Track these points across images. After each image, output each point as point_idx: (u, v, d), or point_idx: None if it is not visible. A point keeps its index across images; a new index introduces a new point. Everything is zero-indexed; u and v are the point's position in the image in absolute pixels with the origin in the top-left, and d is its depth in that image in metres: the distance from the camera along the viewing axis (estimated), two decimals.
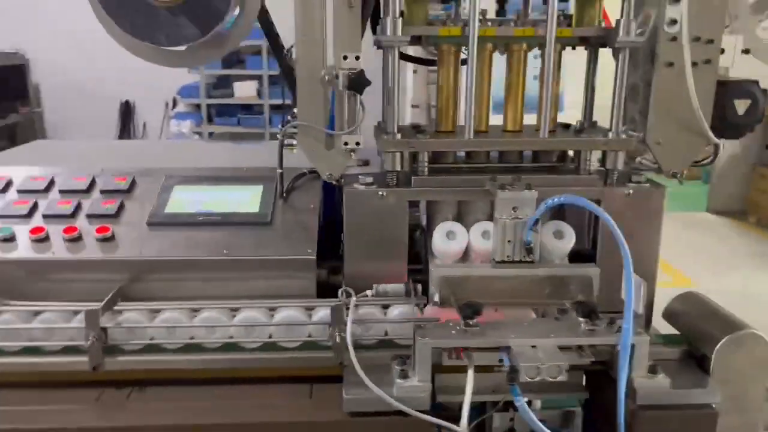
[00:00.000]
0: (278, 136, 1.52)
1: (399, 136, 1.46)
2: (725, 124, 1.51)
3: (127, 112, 8.16)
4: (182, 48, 1.53)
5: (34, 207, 1.52)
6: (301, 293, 1.44)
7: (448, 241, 1.46)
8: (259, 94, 7.22)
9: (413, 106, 5.71)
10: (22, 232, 1.45)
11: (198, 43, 1.50)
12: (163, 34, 1.45)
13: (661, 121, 1.48)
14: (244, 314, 1.35)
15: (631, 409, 1.27)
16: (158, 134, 7.75)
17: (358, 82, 1.36)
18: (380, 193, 1.45)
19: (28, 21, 7.45)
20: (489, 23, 1.48)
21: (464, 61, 1.53)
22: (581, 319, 1.31)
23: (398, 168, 1.47)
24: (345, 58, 1.38)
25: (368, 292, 1.38)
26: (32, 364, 1.34)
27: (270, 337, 1.35)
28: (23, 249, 1.43)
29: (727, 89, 1.48)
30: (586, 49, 1.58)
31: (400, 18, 1.40)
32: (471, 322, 1.29)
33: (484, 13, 1.48)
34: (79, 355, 1.32)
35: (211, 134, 7.10)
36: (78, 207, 1.53)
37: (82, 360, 1.32)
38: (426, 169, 1.49)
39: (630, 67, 1.52)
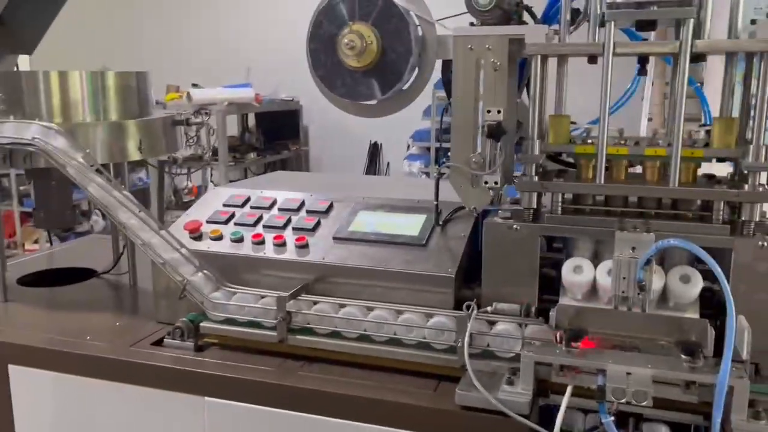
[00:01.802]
0: (433, 174, 1.83)
1: (536, 178, 1.68)
2: None
3: (374, 152, 9.15)
4: (373, 102, 1.94)
5: (259, 219, 2.03)
6: (441, 305, 1.72)
7: (574, 274, 1.63)
8: None
9: (648, 119, 5.60)
10: (248, 236, 1.96)
11: (385, 98, 1.90)
12: (355, 92, 1.88)
13: None
14: (376, 312, 1.71)
15: None
16: (398, 173, 8.56)
17: (496, 132, 1.62)
18: (514, 226, 1.68)
19: (303, 74, 8.85)
20: (624, 142, 1.63)
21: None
22: (684, 356, 1.39)
23: (534, 206, 1.69)
24: (489, 111, 1.65)
25: (488, 309, 1.61)
26: (242, 332, 1.82)
27: (395, 334, 1.67)
28: (246, 248, 1.94)
29: None
30: None
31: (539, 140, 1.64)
32: (573, 345, 1.45)
33: (621, 131, 1.66)
34: (272, 330, 1.77)
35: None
36: (288, 221, 2.01)
37: (272, 334, 1.76)
38: (559, 208, 1.68)
39: None
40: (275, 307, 1.74)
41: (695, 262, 1.61)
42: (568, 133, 1.69)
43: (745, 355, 1.34)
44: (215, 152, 7.16)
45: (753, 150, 1.50)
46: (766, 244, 1.50)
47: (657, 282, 1.55)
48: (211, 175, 7.43)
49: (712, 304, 1.58)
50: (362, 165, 9.23)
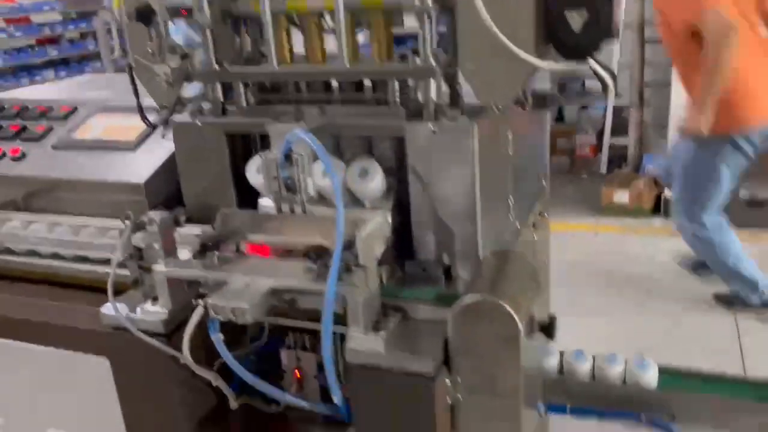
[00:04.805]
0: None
1: (216, 66, 1.46)
2: (559, 44, 1.18)
3: None
4: None
5: None
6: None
7: (256, 174, 1.44)
8: None
9: None
10: None
11: None
12: None
13: (471, 44, 1.22)
14: (35, 226, 1.58)
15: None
16: None
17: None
18: (197, 122, 1.48)
19: None
20: None
21: None
22: (309, 263, 1.21)
23: (220, 98, 1.48)
24: None
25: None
26: None
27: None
28: None
29: None
30: None
31: None
32: (210, 255, 1.29)
33: None
34: None
35: None
36: (23, 129, 1.82)
37: None
38: (243, 99, 1.47)
39: None
40: None
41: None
42: None
43: (362, 260, 1.15)
44: None
45: None
46: (436, 130, 1.27)
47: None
48: None
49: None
50: None
